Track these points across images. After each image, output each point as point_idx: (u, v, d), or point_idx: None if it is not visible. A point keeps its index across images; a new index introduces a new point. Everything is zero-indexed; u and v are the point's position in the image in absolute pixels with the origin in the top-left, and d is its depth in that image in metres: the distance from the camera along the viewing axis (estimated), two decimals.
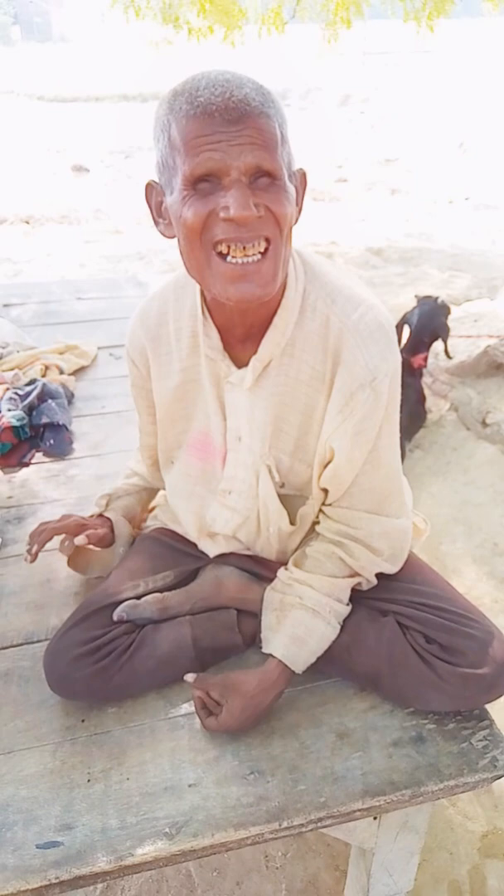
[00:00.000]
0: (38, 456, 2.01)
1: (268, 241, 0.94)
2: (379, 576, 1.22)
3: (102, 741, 1.13)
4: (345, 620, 1.18)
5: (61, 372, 2.45)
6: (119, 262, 5.58)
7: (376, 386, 1.05)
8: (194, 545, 1.34)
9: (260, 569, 1.29)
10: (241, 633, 1.25)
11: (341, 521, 1.18)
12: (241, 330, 1.09)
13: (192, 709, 1.16)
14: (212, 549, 1.32)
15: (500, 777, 1.08)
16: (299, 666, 1.13)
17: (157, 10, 6.03)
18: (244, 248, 0.92)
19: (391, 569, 1.22)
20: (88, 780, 1.07)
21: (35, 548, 1.35)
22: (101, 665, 1.15)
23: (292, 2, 6.19)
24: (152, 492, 1.48)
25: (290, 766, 1.08)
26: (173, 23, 6.09)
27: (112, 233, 6.51)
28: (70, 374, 2.47)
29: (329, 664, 1.19)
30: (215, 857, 1.47)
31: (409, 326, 3.20)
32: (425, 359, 3.17)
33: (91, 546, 1.41)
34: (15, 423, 2.03)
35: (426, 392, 3.23)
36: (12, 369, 2.36)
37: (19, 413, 2.06)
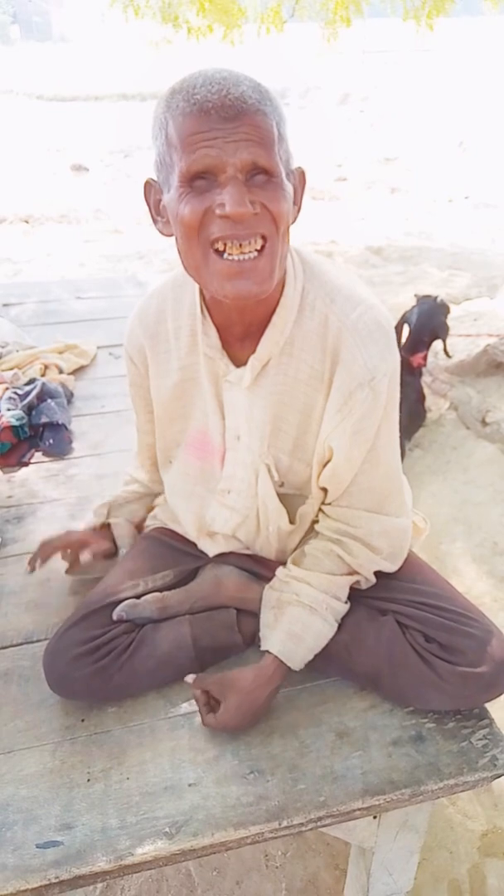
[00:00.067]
0: (38, 455, 2.01)
1: (264, 238, 0.94)
2: (378, 575, 1.22)
3: (102, 741, 1.13)
4: (344, 620, 1.18)
5: (61, 371, 2.45)
6: (119, 262, 5.58)
7: (375, 385, 1.05)
8: (194, 545, 1.34)
9: (259, 568, 1.29)
10: (241, 633, 1.25)
11: (340, 520, 1.18)
12: (240, 328, 1.09)
13: (192, 708, 1.16)
14: (211, 548, 1.31)
15: (499, 776, 1.08)
16: (296, 663, 1.13)
17: (157, 9, 6.03)
18: (240, 245, 0.92)
19: (390, 567, 1.22)
20: (88, 780, 1.07)
21: (38, 563, 1.39)
22: (100, 664, 1.15)
23: (291, 1, 6.19)
24: (153, 497, 1.47)
25: (290, 766, 1.08)
26: (172, 22, 6.09)
27: (111, 232, 6.51)
28: (69, 374, 2.47)
29: (329, 663, 1.19)
30: (215, 856, 1.47)
31: (409, 325, 3.20)
32: (425, 357, 3.16)
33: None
34: (14, 422, 2.02)
35: (426, 391, 3.22)
36: (12, 369, 2.36)
37: (19, 412, 2.06)
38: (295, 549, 1.25)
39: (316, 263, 1.11)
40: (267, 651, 1.14)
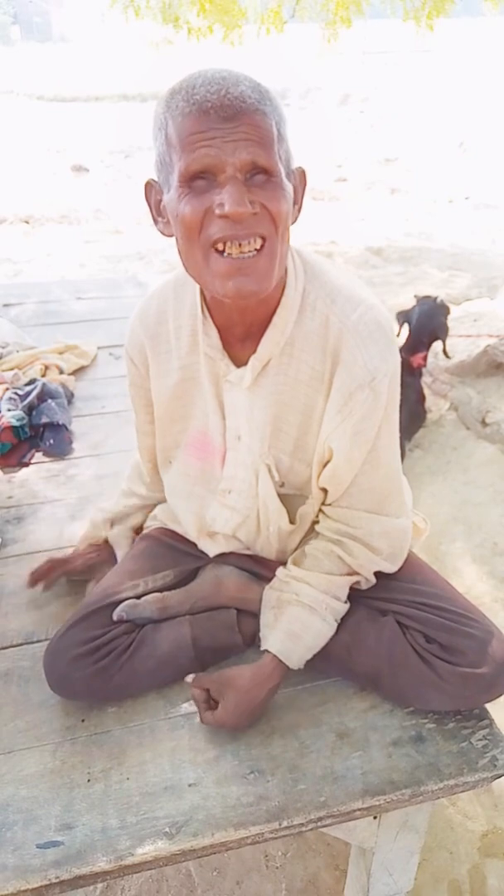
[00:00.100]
0: (38, 456, 2.01)
1: (263, 238, 0.93)
2: (379, 575, 1.22)
3: (102, 741, 1.13)
4: (345, 620, 1.18)
5: (61, 372, 2.45)
6: (119, 262, 5.58)
7: (375, 386, 1.05)
8: (194, 545, 1.34)
9: (260, 568, 1.29)
10: (241, 633, 1.25)
11: (341, 521, 1.18)
12: (241, 329, 1.09)
13: (192, 709, 1.16)
14: (212, 548, 1.31)
15: (499, 776, 1.08)
16: (294, 661, 1.13)
17: (157, 9, 6.04)
18: (240, 244, 0.92)
19: (390, 568, 1.22)
20: (88, 780, 1.07)
21: (41, 586, 1.43)
22: (100, 665, 1.15)
23: (292, 1, 6.19)
24: (153, 507, 1.47)
25: (290, 766, 1.08)
26: (173, 22, 6.09)
27: (112, 233, 6.51)
28: (70, 374, 2.47)
29: (329, 664, 1.19)
30: (215, 856, 1.47)
31: (409, 324, 3.20)
32: (425, 358, 3.17)
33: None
34: (15, 422, 2.03)
35: (426, 391, 3.23)
36: (12, 369, 2.36)
37: (19, 413, 2.06)
38: (295, 549, 1.25)
39: (317, 264, 1.11)
40: (266, 650, 1.14)
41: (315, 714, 1.17)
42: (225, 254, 0.93)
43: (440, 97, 14.24)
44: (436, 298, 3.33)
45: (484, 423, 3.08)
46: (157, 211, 1.02)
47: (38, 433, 2.07)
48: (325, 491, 1.18)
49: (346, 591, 1.19)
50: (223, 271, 0.94)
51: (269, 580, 1.23)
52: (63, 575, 1.44)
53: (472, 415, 3.16)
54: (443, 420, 3.24)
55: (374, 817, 1.13)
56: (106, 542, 1.46)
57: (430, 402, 3.28)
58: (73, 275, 5.24)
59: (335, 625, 1.17)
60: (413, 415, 3.04)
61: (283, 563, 1.23)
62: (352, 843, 1.24)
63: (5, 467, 1.95)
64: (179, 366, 1.18)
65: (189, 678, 1.14)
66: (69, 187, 8.32)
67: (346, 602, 1.19)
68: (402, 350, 3.05)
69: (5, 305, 3.11)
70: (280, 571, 1.21)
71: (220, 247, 0.93)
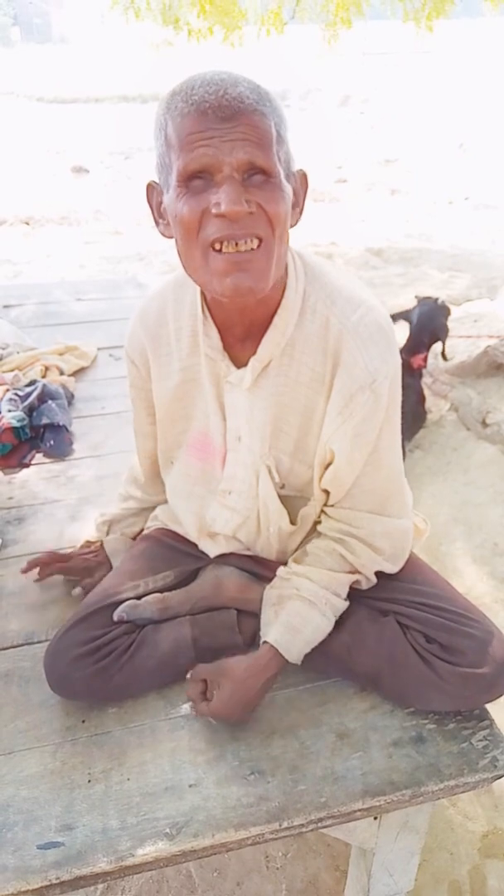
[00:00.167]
0: (39, 457, 2.01)
1: (260, 239, 0.93)
2: (379, 575, 1.22)
3: (103, 741, 1.13)
4: (345, 620, 1.18)
5: (61, 373, 2.45)
6: (119, 263, 5.58)
7: (376, 388, 1.05)
8: (194, 545, 1.34)
9: (260, 569, 1.29)
10: (242, 634, 1.25)
11: (343, 521, 1.18)
12: (241, 329, 1.09)
13: (193, 710, 1.16)
14: (212, 549, 1.32)
15: (500, 777, 1.08)
16: (292, 654, 1.13)
17: (157, 11, 6.04)
18: (236, 244, 0.92)
19: (391, 568, 1.22)
20: (89, 781, 1.07)
21: (35, 573, 1.44)
22: (101, 665, 1.15)
23: (292, 2, 6.19)
24: (151, 510, 1.47)
25: (291, 767, 1.08)
26: (173, 24, 6.09)
27: (112, 234, 6.51)
28: (70, 375, 2.47)
29: (329, 664, 1.19)
30: (216, 857, 1.47)
31: (409, 324, 3.20)
32: (425, 359, 3.17)
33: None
34: (15, 423, 2.03)
35: (426, 392, 3.23)
36: (12, 370, 2.37)
37: (19, 414, 2.06)
38: (296, 549, 1.25)
39: (317, 266, 1.11)
40: (264, 642, 1.14)
41: (315, 714, 1.17)
42: (222, 252, 0.94)
43: (440, 98, 14.26)
44: (436, 299, 3.33)
45: (484, 424, 3.08)
46: (159, 213, 1.03)
47: (38, 434, 2.07)
48: (326, 492, 1.18)
49: (347, 588, 1.19)
50: (221, 269, 0.94)
51: (269, 581, 1.23)
52: (58, 571, 1.44)
53: (472, 415, 3.16)
54: (443, 421, 3.24)
55: (375, 818, 1.13)
56: (103, 543, 1.46)
57: (431, 402, 3.28)
58: (73, 276, 5.25)
59: (334, 620, 1.17)
60: (413, 415, 3.05)
61: (284, 564, 1.23)
62: (352, 843, 1.24)
63: (6, 468, 1.95)
64: (180, 367, 1.18)
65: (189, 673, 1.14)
66: (69, 188, 8.33)
67: (345, 600, 1.19)
68: (402, 351, 3.05)
69: (5, 307, 3.12)
70: (281, 570, 1.21)
71: (217, 246, 0.93)
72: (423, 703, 1.15)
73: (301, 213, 1.03)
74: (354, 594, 1.21)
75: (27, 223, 6.86)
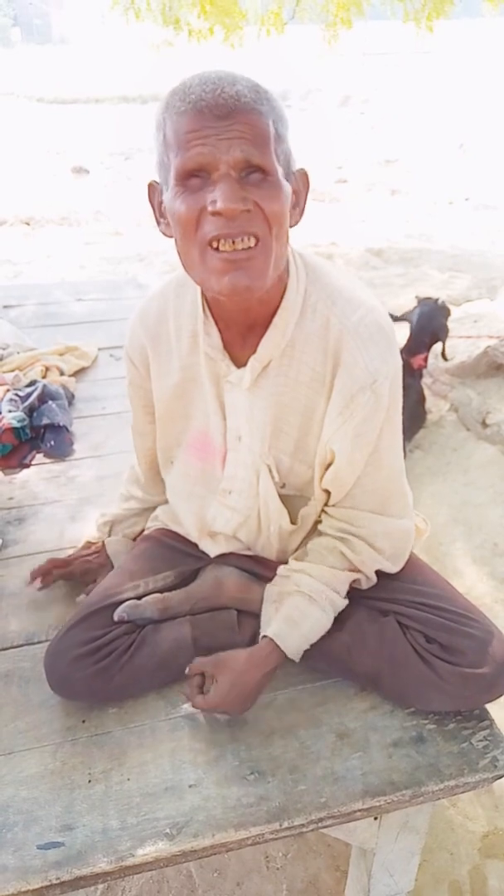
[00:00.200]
0: (39, 457, 2.01)
1: (256, 237, 0.93)
2: (379, 575, 1.22)
3: (103, 742, 1.13)
4: (346, 621, 1.19)
5: (62, 373, 2.45)
6: (119, 264, 5.58)
7: (376, 388, 1.05)
8: (195, 545, 1.34)
9: (260, 569, 1.29)
10: (242, 634, 1.25)
11: (344, 520, 1.18)
12: (242, 329, 1.09)
13: (193, 710, 1.16)
14: (212, 548, 1.32)
15: (500, 777, 1.08)
16: (290, 647, 1.13)
17: (158, 11, 6.03)
18: (233, 242, 0.92)
19: (392, 568, 1.22)
20: (89, 781, 1.07)
21: (38, 583, 1.42)
22: (101, 665, 1.15)
23: (292, 3, 6.19)
24: (152, 510, 1.47)
25: (291, 767, 1.08)
26: (173, 24, 6.09)
27: (112, 234, 6.52)
28: (70, 376, 2.47)
29: (330, 664, 1.19)
30: (216, 857, 1.47)
31: (410, 325, 3.20)
32: (425, 359, 3.17)
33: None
34: (15, 424, 2.03)
35: (426, 392, 3.23)
36: (13, 371, 2.37)
37: (20, 414, 2.06)
38: (296, 549, 1.25)
39: (318, 266, 1.11)
40: (264, 636, 1.14)
41: (315, 715, 1.17)
42: (220, 251, 0.94)
43: (440, 98, 14.27)
44: (436, 300, 3.34)
45: (484, 425, 3.09)
46: (160, 212, 1.03)
47: (38, 434, 2.07)
48: (327, 492, 1.18)
49: (346, 586, 1.19)
50: (218, 267, 0.94)
51: (269, 581, 1.23)
52: (60, 577, 1.44)
53: (472, 416, 3.16)
54: (443, 421, 3.24)
55: (375, 818, 1.13)
56: (104, 545, 1.46)
57: (431, 403, 3.29)
58: (74, 276, 5.25)
59: (333, 617, 1.17)
60: (413, 416, 3.05)
61: (284, 564, 1.23)
62: (352, 843, 1.24)
63: (6, 468, 1.95)
64: (180, 366, 1.18)
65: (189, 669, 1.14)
66: (69, 189, 8.33)
67: (345, 598, 1.19)
68: (402, 351, 3.05)
69: (5, 307, 3.12)
70: (281, 568, 1.22)
71: (215, 245, 0.94)
72: (424, 704, 1.15)
73: (302, 212, 1.03)
74: (355, 594, 1.21)
75: (27, 223, 6.86)
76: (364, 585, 1.22)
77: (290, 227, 1.01)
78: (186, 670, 1.14)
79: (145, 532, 1.44)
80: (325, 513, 1.21)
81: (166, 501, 1.40)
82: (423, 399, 3.16)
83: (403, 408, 1.16)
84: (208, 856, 1.02)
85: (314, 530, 1.24)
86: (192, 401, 1.21)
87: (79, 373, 2.54)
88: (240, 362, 1.12)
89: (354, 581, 1.20)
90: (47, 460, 1.99)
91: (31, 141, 11.47)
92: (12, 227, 6.80)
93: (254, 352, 1.09)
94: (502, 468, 2.86)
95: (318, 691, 1.21)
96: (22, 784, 1.07)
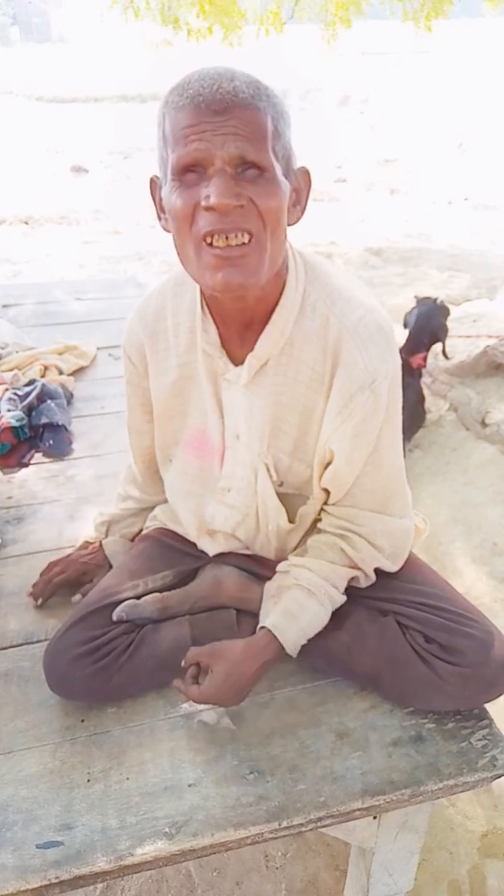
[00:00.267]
0: (38, 456, 2.01)
1: (250, 234, 0.93)
2: (379, 575, 1.22)
3: (102, 741, 1.13)
4: (345, 621, 1.19)
5: (60, 372, 2.45)
6: (118, 263, 5.58)
7: (376, 388, 1.05)
8: (194, 545, 1.34)
9: (259, 568, 1.29)
10: (241, 633, 1.25)
11: (344, 518, 1.18)
12: (240, 326, 1.09)
13: (192, 709, 1.15)
14: (211, 547, 1.32)
15: (499, 776, 1.08)
16: (288, 640, 1.12)
17: (157, 11, 6.03)
18: (226, 238, 0.92)
19: (391, 567, 1.22)
20: (88, 780, 1.07)
21: (41, 601, 1.41)
22: (100, 665, 1.15)
23: (291, 2, 6.19)
24: (150, 510, 1.47)
25: (290, 766, 1.08)
26: (173, 24, 6.09)
27: (111, 233, 6.51)
28: (69, 375, 2.47)
29: (329, 664, 1.19)
30: (215, 856, 1.47)
31: (407, 327, 3.21)
32: (424, 359, 3.17)
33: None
34: (14, 423, 2.03)
35: (425, 392, 3.23)
36: (11, 370, 2.36)
37: (19, 413, 2.06)
38: (295, 548, 1.25)
39: (318, 265, 1.11)
40: (262, 627, 1.14)
41: (315, 714, 1.17)
42: (213, 246, 0.94)
43: (439, 98, 14.27)
44: (436, 299, 3.34)
45: (483, 424, 3.09)
46: (161, 207, 1.02)
47: (37, 434, 2.07)
48: (326, 491, 1.18)
49: (345, 582, 1.19)
50: (212, 263, 0.94)
51: (268, 580, 1.23)
52: (59, 587, 1.43)
53: (471, 415, 3.16)
54: (442, 420, 3.24)
55: (374, 817, 1.13)
56: (102, 545, 1.46)
57: (430, 402, 3.29)
58: (73, 275, 5.25)
59: (331, 612, 1.17)
60: (413, 415, 3.05)
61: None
62: (352, 843, 1.24)
63: (5, 468, 1.95)
64: (177, 363, 1.18)
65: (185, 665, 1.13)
66: (68, 188, 8.32)
67: (343, 595, 1.19)
68: (401, 351, 3.05)
69: (4, 306, 3.11)
70: (281, 565, 1.21)
71: (209, 240, 0.93)
72: (423, 703, 1.15)
73: (303, 210, 1.03)
74: (354, 594, 1.21)
75: (26, 223, 6.86)
76: (363, 583, 1.22)
77: (291, 225, 1.01)
78: (182, 662, 1.13)
79: (144, 531, 1.44)
80: (325, 511, 1.21)
81: (164, 501, 1.40)
82: (422, 399, 3.16)
83: (403, 407, 1.16)
84: (207, 855, 1.02)
85: (313, 530, 1.24)
86: (189, 399, 1.20)
87: (78, 372, 2.53)
88: (238, 360, 1.12)
89: (353, 579, 1.20)
90: (46, 459, 1.99)
91: (31, 140, 11.46)
92: (11, 226, 6.79)
93: (252, 350, 1.09)
94: (501, 468, 2.86)
95: (317, 691, 1.21)
96: (21, 783, 1.07)
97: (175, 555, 1.34)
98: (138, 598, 1.24)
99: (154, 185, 1.03)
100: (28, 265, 5.57)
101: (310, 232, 5.88)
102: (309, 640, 1.15)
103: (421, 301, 3.34)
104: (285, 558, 1.23)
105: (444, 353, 3.39)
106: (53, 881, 0.95)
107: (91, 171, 9.32)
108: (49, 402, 2.16)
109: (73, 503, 1.78)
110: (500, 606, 2.18)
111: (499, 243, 6.05)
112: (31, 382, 2.27)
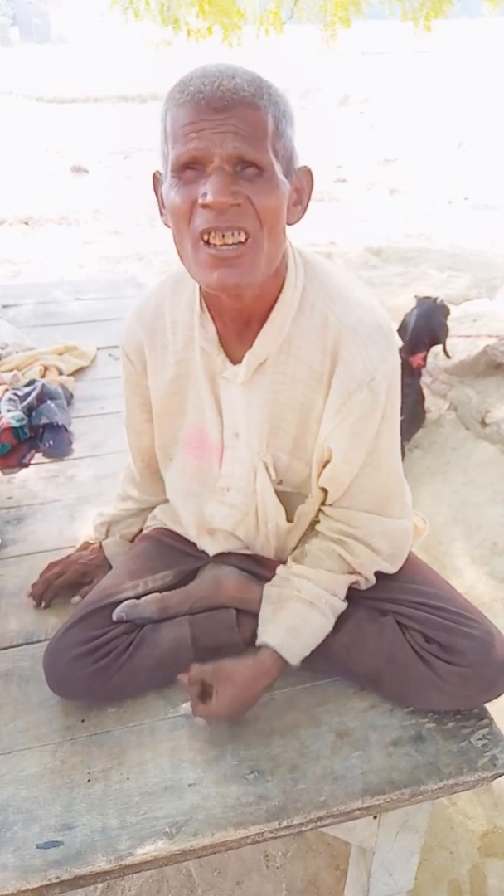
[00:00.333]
0: (38, 457, 2.01)
1: (246, 233, 0.93)
2: (378, 575, 1.22)
3: (102, 741, 1.13)
4: (345, 621, 1.18)
5: (60, 373, 2.45)
6: (118, 263, 5.58)
7: (374, 387, 1.05)
8: (194, 545, 1.34)
9: (259, 568, 1.29)
10: (241, 633, 1.25)
11: (341, 521, 1.18)
12: (238, 324, 1.09)
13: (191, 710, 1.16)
14: (211, 546, 1.32)
15: (499, 776, 1.08)
16: (294, 657, 1.13)
17: (156, 11, 6.03)
18: (223, 236, 0.92)
19: (390, 568, 1.22)
20: (88, 780, 1.07)
21: (43, 604, 1.41)
22: (100, 665, 1.15)
23: (290, 2, 6.19)
24: (149, 511, 1.47)
25: (290, 766, 1.08)
26: (172, 24, 6.09)
27: (111, 233, 6.51)
28: (69, 375, 2.47)
29: (329, 664, 1.19)
30: (215, 856, 1.47)
31: (407, 327, 3.21)
32: (424, 358, 3.17)
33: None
34: (14, 423, 2.03)
35: (425, 392, 3.23)
36: (11, 370, 2.36)
37: (19, 414, 2.06)
38: (295, 547, 1.25)
39: (318, 265, 1.11)
40: (265, 645, 1.14)
41: (315, 714, 1.17)
42: (210, 244, 0.94)
43: (439, 98, 14.26)
44: (436, 299, 3.34)
45: (483, 424, 3.09)
46: (162, 203, 1.03)
47: (37, 434, 2.07)
48: (325, 491, 1.18)
49: (345, 589, 1.19)
50: (208, 262, 0.94)
51: (268, 580, 1.23)
52: (60, 590, 1.43)
53: (471, 415, 3.16)
54: (442, 420, 3.25)
55: (374, 817, 1.13)
56: (102, 546, 1.46)
57: (430, 402, 3.29)
58: (73, 275, 5.25)
59: (333, 620, 1.17)
60: (412, 415, 3.05)
61: (283, 562, 1.23)
62: (352, 842, 1.24)
63: (5, 468, 1.95)
64: (175, 360, 1.18)
65: (182, 678, 1.12)
66: (68, 188, 8.32)
67: (344, 601, 1.19)
68: (401, 350, 3.06)
69: (4, 306, 3.11)
70: (280, 569, 1.21)
71: (206, 238, 0.93)
72: (423, 703, 1.15)
73: (304, 210, 1.03)
74: (353, 594, 1.21)
75: (26, 223, 6.86)
76: (363, 586, 1.22)
77: (292, 224, 1.01)
78: (186, 679, 1.12)
79: (144, 531, 1.44)
80: (323, 513, 1.21)
81: (163, 501, 1.40)
82: (422, 398, 3.16)
83: (402, 407, 1.16)
84: (208, 855, 1.02)
85: (311, 529, 1.24)
86: (187, 397, 1.20)
87: (77, 372, 2.53)
88: (236, 358, 1.12)
89: (353, 582, 1.20)
90: (46, 460, 1.99)
91: (30, 140, 11.45)
92: (11, 226, 6.79)
93: (250, 348, 1.09)
94: (501, 467, 2.86)
95: (317, 691, 1.21)
96: (21, 783, 1.07)
97: (175, 555, 1.34)
98: (138, 598, 1.24)
99: (156, 180, 1.03)
100: (28, 265, 5.57)
101: (310, 232, 5.87)
102: None
103: (421, 301, 3.34)
104: (285, 558, 1.24)
105: (445, 352, 3.39)
106: (54, 881, 0.95)
107: (91, 172, 9.32)
108: (49, 402, 2.16)
109: (73, 503, 1.78)
110: (500, 606, 2.18)
111: (499, 243, 6.05)
112: (31, 383, 2.27)
